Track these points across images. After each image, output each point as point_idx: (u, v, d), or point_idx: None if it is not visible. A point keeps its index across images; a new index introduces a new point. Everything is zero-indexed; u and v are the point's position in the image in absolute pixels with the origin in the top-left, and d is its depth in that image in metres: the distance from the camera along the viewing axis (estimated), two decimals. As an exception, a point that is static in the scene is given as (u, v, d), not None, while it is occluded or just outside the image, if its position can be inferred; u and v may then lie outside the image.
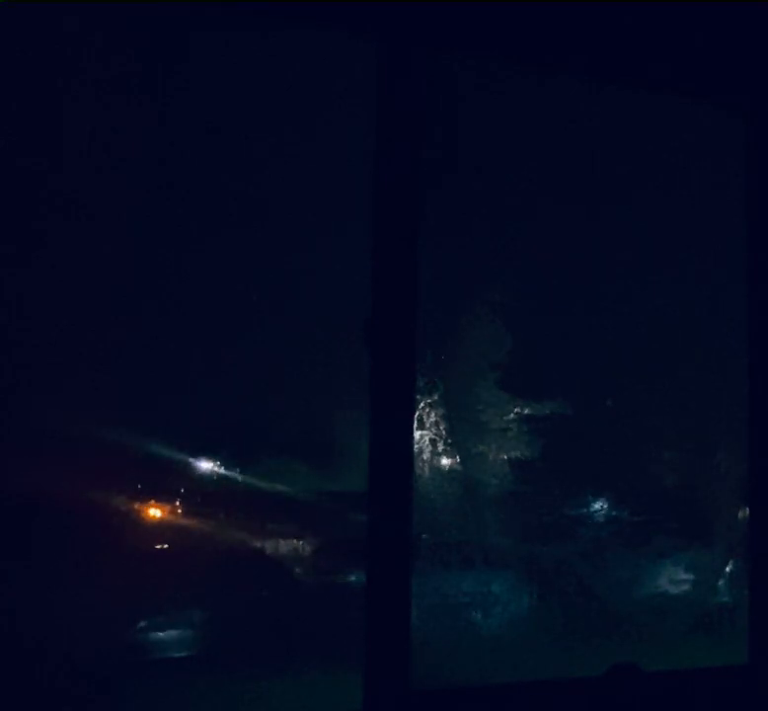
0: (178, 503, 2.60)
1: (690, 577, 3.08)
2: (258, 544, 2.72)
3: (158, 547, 2.59)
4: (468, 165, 2.81)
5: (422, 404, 2.68)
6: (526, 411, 2.85)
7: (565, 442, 2.89)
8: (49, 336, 2.32)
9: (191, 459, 2.58)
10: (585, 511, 2.97)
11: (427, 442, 2.70)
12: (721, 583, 3.12)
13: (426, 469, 2.69)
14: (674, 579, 3.08)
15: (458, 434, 2.74)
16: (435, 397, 2.71)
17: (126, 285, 2.41)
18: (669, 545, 3.05)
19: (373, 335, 2.55)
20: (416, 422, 2.62)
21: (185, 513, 2.60)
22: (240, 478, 2.64)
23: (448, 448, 2.73)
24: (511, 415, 2.83)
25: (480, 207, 2.83)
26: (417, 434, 2.64)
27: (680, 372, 3.06)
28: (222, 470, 2.63)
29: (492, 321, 2.83)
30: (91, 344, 2.36)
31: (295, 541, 2.78)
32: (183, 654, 2.62)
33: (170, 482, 2.57)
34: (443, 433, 2.72)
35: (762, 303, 3.08)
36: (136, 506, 2.53)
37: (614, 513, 3.00)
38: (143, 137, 2.43)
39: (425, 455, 2.69)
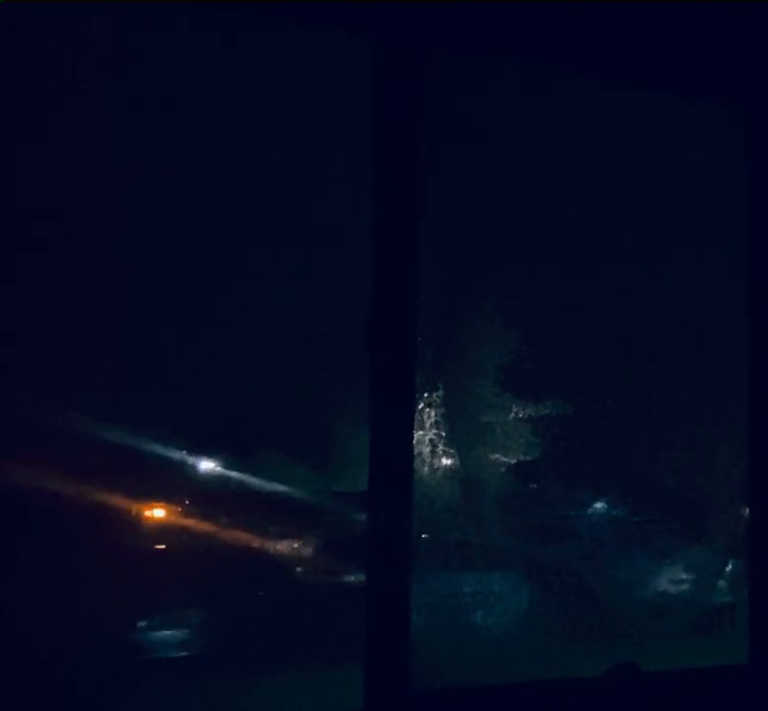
0: (178, 503, 2.60)
1: (690, 577, 3.08)
2: (258, 544, 2.72)
3: (158, 547, 2.59)
4: (468, 164, 2.81)
5: (421, 404, 2.68)
6: (526, 411, 2.85)
7: (565, 442, 2.89)
8: (47, 335, 2.32)
9: (191, 459, 2.58)
10: (586, 511, 2.97)
11: (427, 442, 2.70)
12: (721, 583, 3.12)
13: (426, 469, 2.69)
14: (674, 579, 3.08)
15: (458, 434, 2.74)
16: (435, 397, 2.71)
17: (125, 285, 2.41)
18: (669, 545, 3.05)
19: (373, 335, 2.54)
20: (416, 422, 2.62)
21: (185, 513, 2.61)
22: (240, 478, 2.65)
23: (448, 448, 2.73)
24: (511, 415, 2.83)
25: (480, 207, 2.83)
26: (417, 434, 2.63)
27: (681, 372, 3.06)
28: (222, 470, 2.63)
29: (492, 321, 2.83)
30: (91, 344, 2.36)
31: (295, 541, 2.77)
32: (183, 654, 2.62)
33: (170, 482, 2.57)
34: (443, 433, 2.72)
35: (762, 303, 3.08)
36: (136, 505, 2.53)
37: (614, 512, 3.00)
38: (142, 137, 2.43)
39: (425, 455, 2.69)
